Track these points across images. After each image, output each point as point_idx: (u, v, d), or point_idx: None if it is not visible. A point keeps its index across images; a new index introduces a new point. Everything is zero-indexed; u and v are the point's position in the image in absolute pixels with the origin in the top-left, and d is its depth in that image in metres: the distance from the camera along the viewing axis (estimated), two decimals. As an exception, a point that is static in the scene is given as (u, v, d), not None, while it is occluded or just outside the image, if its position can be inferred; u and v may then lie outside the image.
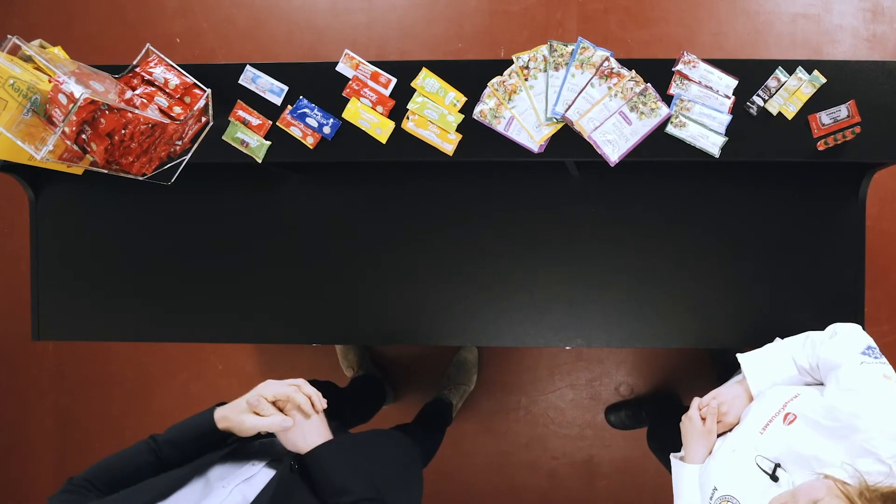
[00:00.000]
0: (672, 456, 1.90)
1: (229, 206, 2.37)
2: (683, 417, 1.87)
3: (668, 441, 2.15)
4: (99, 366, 3.61)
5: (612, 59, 2.01)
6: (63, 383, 3.65)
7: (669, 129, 1.99)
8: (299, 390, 1.49)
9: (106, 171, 1.92)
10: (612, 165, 2.02)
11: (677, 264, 2.25)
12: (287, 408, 1.48)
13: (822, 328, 2.12)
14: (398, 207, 2.33)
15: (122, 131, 1.82)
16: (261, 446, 1.62)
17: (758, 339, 2.23)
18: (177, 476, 1.34)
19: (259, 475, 1.42)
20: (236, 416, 1.46)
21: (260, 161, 2.11)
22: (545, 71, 2.03)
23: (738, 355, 1.89)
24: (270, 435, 1.62)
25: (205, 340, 2.44)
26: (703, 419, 1.82)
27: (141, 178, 2.01)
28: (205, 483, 1.37)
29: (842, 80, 1.98)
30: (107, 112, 1.76)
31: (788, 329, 2.21)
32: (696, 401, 1.88)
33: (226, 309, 2.38)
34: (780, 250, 2.23)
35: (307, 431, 1.48)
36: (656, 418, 3.04)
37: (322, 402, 1.53)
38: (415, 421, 3.05)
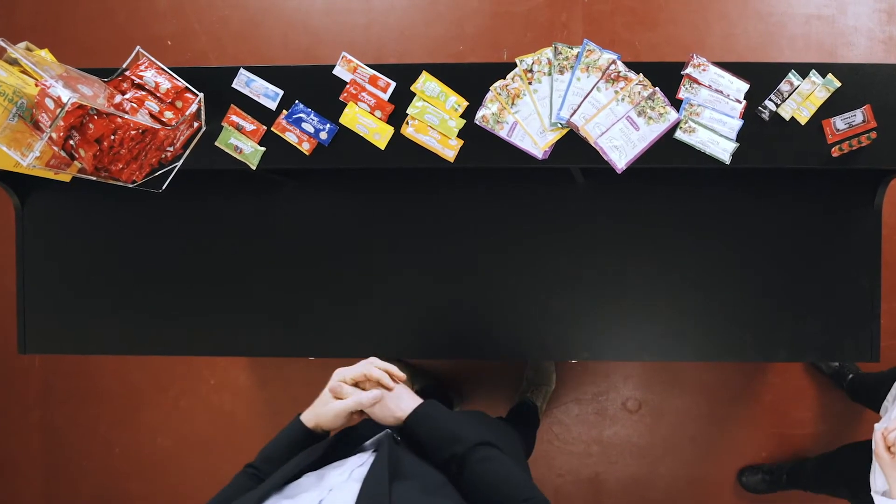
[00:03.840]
0: (877, 496, 1.92)
1: (223, 215, 2.37)
2: (875, 455, 1.86)
3: (854, 486, 2.18)
4: (87, 380, 3.61)
5: (619, 63, 2.01)
6: (50, 399, 3.65)
7: (678, 134, 2.00)
8: (374, 367, 1.51)
9: (94, 179, 1.92)
10: (618, 172, 2.02)
11: (685, 274, 2.25)
12: (367, 387, 1.50)
13: (836, 341, 2.13)
14: (396, 216, 2.33)
15: (112, 137, 1.82)
16: (356, 449, 1.63)
17: (769, 353, 2.24)
18: (282, 474, 1.34)
19: (369, 460, 1.41)
20: (322, 406, 1.48)
21: (254, 168, 2.12)
22: (549, 74, 2.03)
23: None
24: (365, 436, 1.63)
25: (197, 354, 2.44)
26: (889, 449, 1.81)
27: (131, 186, 2.01)
28: (317, 475, 1.36)
29: (857, 83, 1.98)
30: (95, 117, 1.76)
31: (800, 342, 2.22)
32: (877, 432, 1.85)
33: (218, 321, 2.38)
34: (793, 260, 2.22)
35: (399, 400, 1.49)
36: (814, 479, 2.97)
37: (400, 374, 1.54)
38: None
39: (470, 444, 1.39)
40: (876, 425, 1.91)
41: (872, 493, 1.96)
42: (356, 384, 1.50)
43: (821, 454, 3.01)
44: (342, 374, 1.50)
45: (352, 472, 1.33)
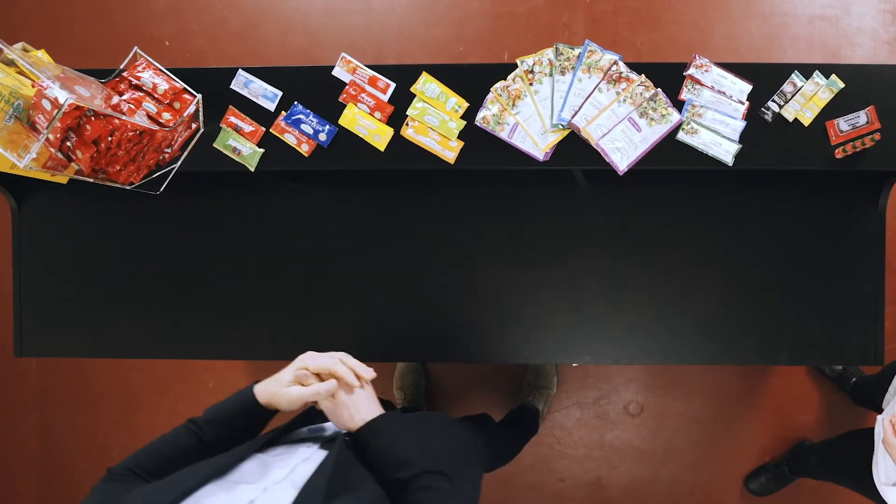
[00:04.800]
0: (884, 486, 1.92)
1: (221, 217, 2.37)
2: (882, 443, 1.85)
3: (857, 473, 2.17)
4: (84, 384, 3.60)
5: (621, 63, 2.01)
6: (47, 402, 3.64)
7: (680, 135, 1.99)
8: (341, 362, 1.48)
9: (92, 180, 1.92)
10: (620, 174, 2.02)
11: (687, 277, 2.25)
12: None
13: (839, 344, 2.12)
14: (396, 218, 2.33)
15: (109, 138, 1.82)
16: (310, 432, 1.61)
17: (771, 356, 2.23)
18: (229, 458, 1.33)
19: (315, 456, 1.40)
20: (279, 388, 1.46)
21: (253, 169, 2.11)
22: (551, 75, 2.03)
23: None
24: (320, 419, 1.62)
25: (195, 357, 2.44)
26: None
27: (128, 188, 2.01)
28: (261, 463, 1.35)
29: (861, 84, 1.98)
30: (93, 118, 1.76)
31: (803, 345, 2.22)
32: (883, 422, 1.84)
33: (217, 324, 2.38)
34: (796, 263, 2.22)
35: (356, 407, 1.46)
36: (818, 465, 2.96)
37: (369, 373, 1.50)
38: (502, 423, 3.03)
39: (416, 470, 1.37)
40: (879, 417, 1.90)
41: (879, 486, 1.95)
42: (318, 375, 1.47)
43: (823, 440, 3.01)
44: (305, 361, 1.48)
45: (294, 468, 1.32)
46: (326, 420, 1.58)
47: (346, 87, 2.08)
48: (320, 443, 1.49)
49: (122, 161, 1.91)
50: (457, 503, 1.38)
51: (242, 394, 1.50)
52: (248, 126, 2.10)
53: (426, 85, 2.06)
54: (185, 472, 1.27)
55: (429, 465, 1.38)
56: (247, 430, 1.50)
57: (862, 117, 1.94)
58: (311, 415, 1.63)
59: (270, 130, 2.10)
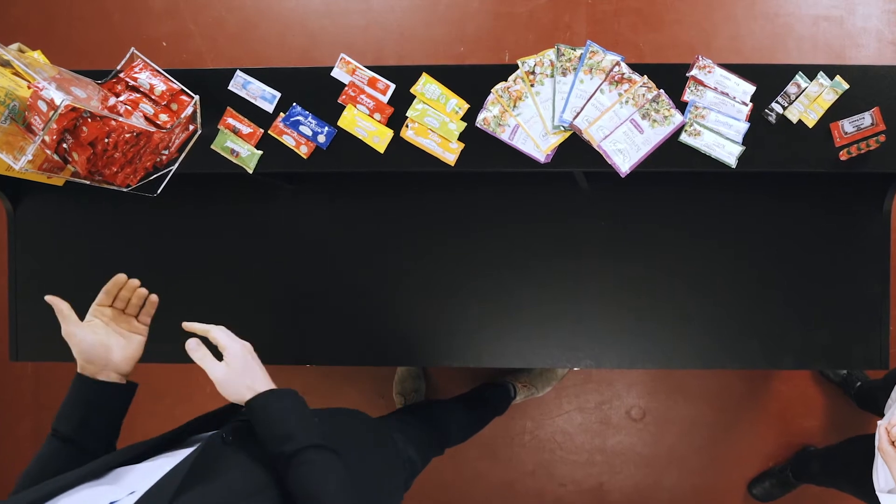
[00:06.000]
0: (882, 494, 1.92)
1: (219, 219, 2.37)
2: (878, 451, 1.84)
3: (858, 480, 2.17)
4: (80, 387, 3.59)
5: (623, 64, 2.01)
6: (43, 406, 3.64)
7: (683, 137, 1.99)
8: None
9: (88, 182, 1.92)
10: (622, 176, 2.02)
11: (690, 281, 2.25)
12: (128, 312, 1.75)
13: (844, 348, 2.12)
14: (395, 220, 2.33)
15: (106, 140, 1.82)
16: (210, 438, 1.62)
17: (775, 360, 2.23)
18: (107, 460, 1.32)
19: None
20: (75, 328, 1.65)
21: (251, 171, 2.11)
22: (552, 76, 2.03)
23: None
24: (220, 424, 1.63)
25: (192, 361, 2.43)
26: (894, 443, 1.76)
27: (125, 190, 2.01)
28: (140, 466, 1.35)
29: (866, 85, 1.98)
30: (89, 120, 1.76)
31: (808, 349, 2.21)
32: (881, 429, 1.83)
33: (214, 327, 2.37)
34: (800, 266, 2.22)
35: (250, 377, 1.48)
36: (820, 471, 2.96)
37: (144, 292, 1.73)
38: (463, 398, 3.00)
39: (300, 445, 1.34)
40: (879, 422, 1.90)
41: (877, 493, 1.96)
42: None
43: (826, 446, 3.01)
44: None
45: (162, 461, 1.33)
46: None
47: (346, 88, 2.08)
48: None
49: (119, 163, 1.91)
50: (334, 481, 1.34)
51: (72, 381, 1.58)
52: (246, 128, 2.10)
53: (426, 86, 2.06)
54: (59, 476, 1.27)
55: (314, 441, 1.35)
56: (98, 413, 1.58)
57: (867, 119, 1.94)
58: (212, 420, 1.65)
59: (269, 132, 2.10)
